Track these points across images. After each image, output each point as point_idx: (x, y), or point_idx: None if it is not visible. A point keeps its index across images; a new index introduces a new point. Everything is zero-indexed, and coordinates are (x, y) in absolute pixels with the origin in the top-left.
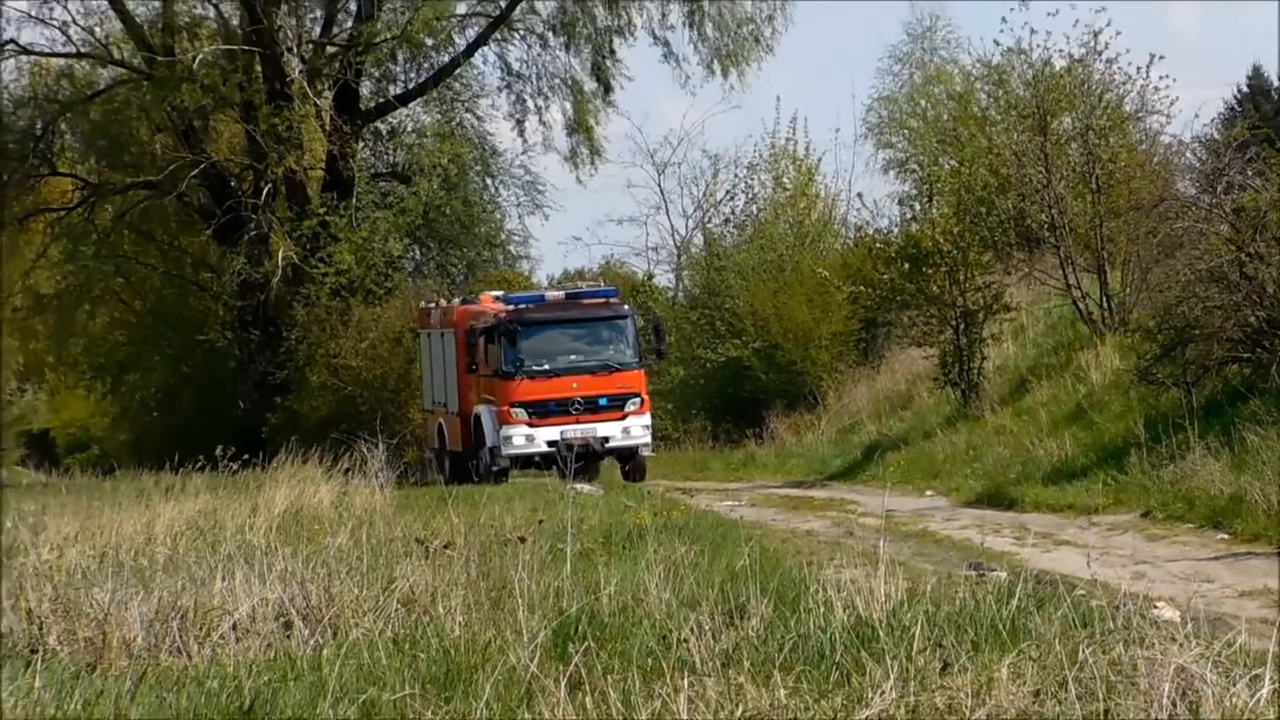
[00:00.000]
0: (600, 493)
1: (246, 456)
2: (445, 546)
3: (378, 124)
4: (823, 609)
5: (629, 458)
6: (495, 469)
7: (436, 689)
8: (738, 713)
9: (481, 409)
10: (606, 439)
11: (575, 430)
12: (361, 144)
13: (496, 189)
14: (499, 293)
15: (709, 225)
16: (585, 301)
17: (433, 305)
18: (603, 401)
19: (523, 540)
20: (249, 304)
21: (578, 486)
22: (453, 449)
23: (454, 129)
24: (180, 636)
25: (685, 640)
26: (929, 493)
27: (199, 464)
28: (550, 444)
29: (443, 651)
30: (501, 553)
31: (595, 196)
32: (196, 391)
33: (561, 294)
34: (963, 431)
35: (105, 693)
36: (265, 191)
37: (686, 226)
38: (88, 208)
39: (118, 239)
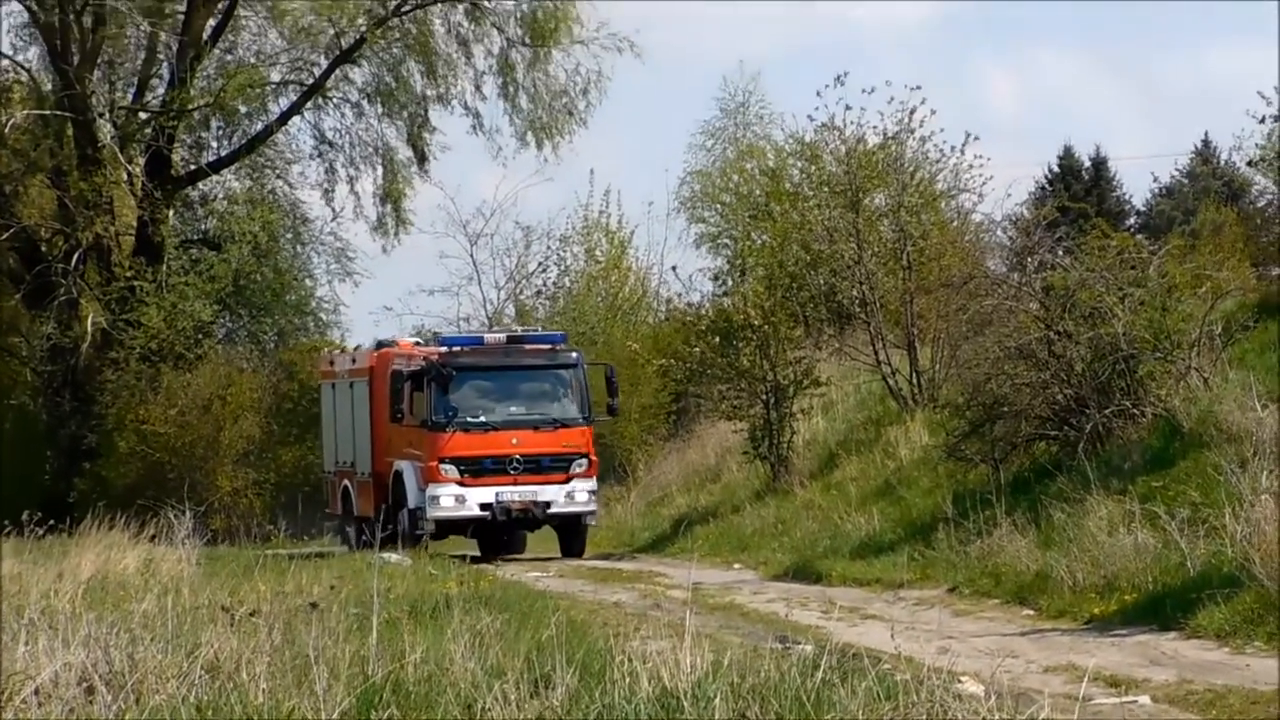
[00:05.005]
0: (408, 562)
1: (53, 522)
2: (251, 614)
3: (189, 190)
4: (628, 680)
5: (571, 526)
6: (418, 534)
7: None
8: None
9: (404, 465)
10: (548, 504)
11: (513, 492)
12: (172, 210)
13: (307, 257)
14: (417, 339)
15: (521, 297)
16: (529, 346)
17: (338, 352)
18: (545, 461)
19: (315, 606)
20: (58, 369)
21: (385, 555)
22: (362, 514)
23: (266, 196)
24: None
25: (489, 709)
26: (737, 566)
27: (5, 530)
28: (484, 507)
29: (245, 718)
30: (307, 620)
31: (408, 266)
32: (3, 457)
33: (502, 337)
34: (772, 505)
35: None
36: (75, 256)
37: (499, 297)
38: None
39: None
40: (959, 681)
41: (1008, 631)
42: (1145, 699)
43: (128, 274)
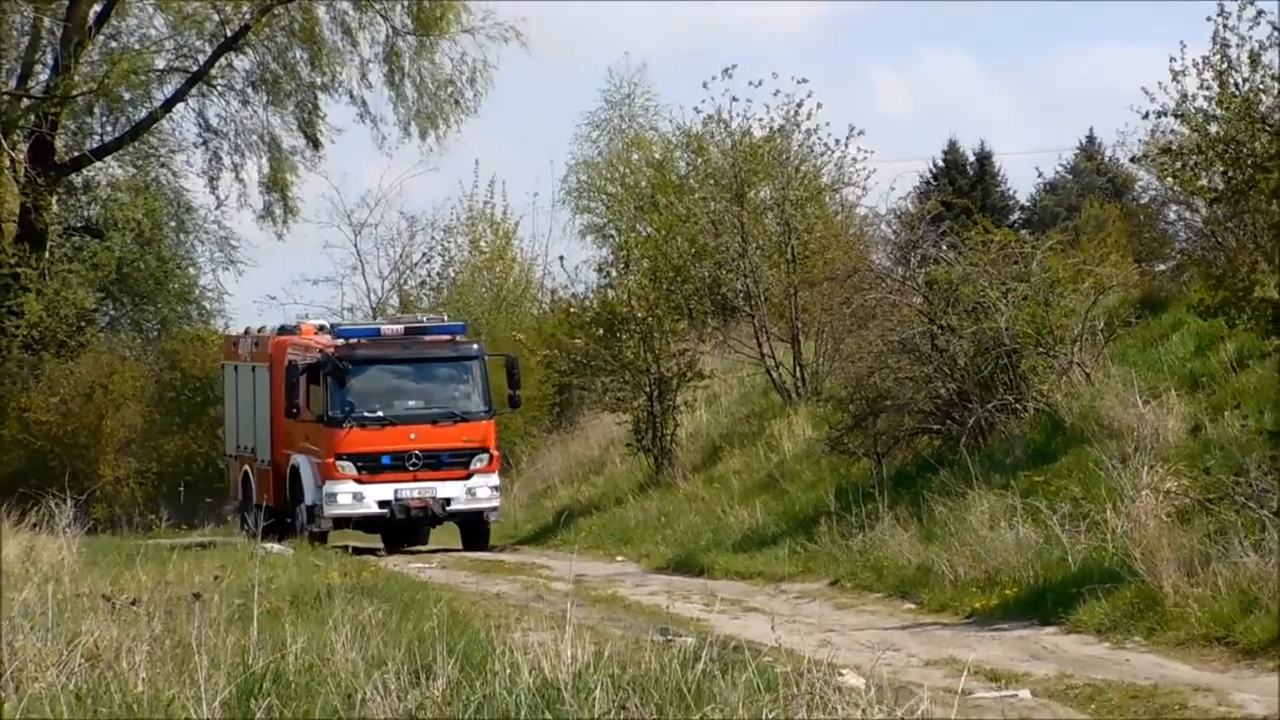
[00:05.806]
0: (290, 552)
1: None
2: (132, 603)
3: (72, 177)
4: (509, 671)
5: (472, 523)
6: (314, 530)
7: None
8: None
9: (301, 460)
10: (448, 500)
11: (412, 489)
12: (55, 197)
13: (191, 245)
14: (323, 323)
15: (405, 287)
16: (428, 338)
17: (242, 334)
18: (445, 457)
19: (198, 596)
20: None
21: (267, 545)
22: (261, 504)
23: (149, 183)
24: None
25: (369, 700)
26: (620, 558)
27: None
28: (382, 504)
29: (125, 707)
30: (188, 610)
31: (293, 255)
32: None
33: (400, 328)
34: (655, 498)
35: None
36: None
37: (383, 288)
38: None
39: None
40: (839, 674)
41: (889, 625)
42: (1025, 693)
43: (10, 261)
